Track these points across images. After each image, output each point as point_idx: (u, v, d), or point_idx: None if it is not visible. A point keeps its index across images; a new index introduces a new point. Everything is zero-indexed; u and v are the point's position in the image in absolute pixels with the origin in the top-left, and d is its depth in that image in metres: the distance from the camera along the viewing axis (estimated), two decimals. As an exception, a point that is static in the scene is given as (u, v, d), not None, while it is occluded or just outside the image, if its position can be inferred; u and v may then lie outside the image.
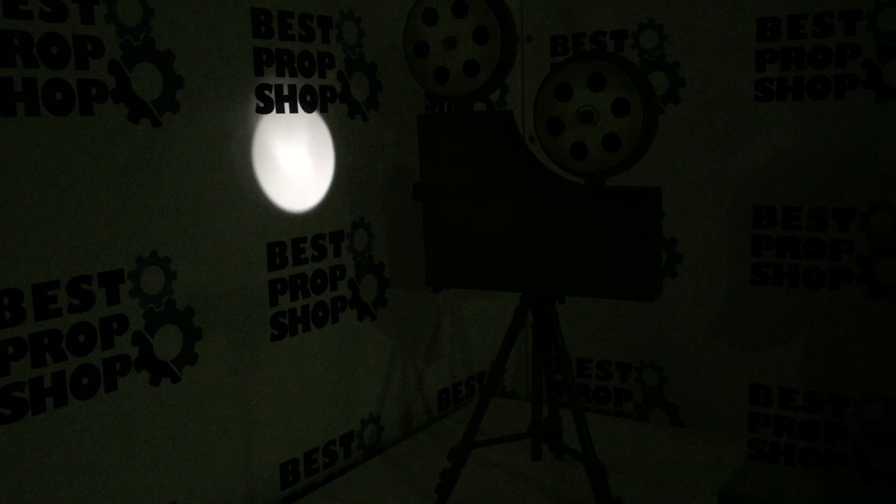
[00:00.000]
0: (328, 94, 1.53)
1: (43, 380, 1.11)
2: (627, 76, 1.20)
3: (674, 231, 1.84)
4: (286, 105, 1.44)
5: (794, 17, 1.68)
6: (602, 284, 1.29)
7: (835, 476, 1.74)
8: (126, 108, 1.19)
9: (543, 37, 1.98)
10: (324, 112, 1.52)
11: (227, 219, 1.35)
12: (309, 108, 1.49)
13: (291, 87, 1.45)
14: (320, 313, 1.54)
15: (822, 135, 1.67)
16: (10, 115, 1.06)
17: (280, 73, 1.43)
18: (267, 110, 1.41)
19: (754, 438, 1.81)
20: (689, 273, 1.83)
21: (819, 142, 1.68)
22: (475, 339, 1.98)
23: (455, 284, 1.45)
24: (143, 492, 1.25)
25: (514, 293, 1.39)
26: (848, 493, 1.72)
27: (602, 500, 1.32)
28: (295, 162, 1.47)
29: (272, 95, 1.42)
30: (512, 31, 1.30)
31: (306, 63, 1.48)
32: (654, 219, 1.25)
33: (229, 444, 1.38)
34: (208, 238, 1.32)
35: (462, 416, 1.76)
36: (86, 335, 1.16)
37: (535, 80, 1.97)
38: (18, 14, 1.06)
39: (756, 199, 1.75)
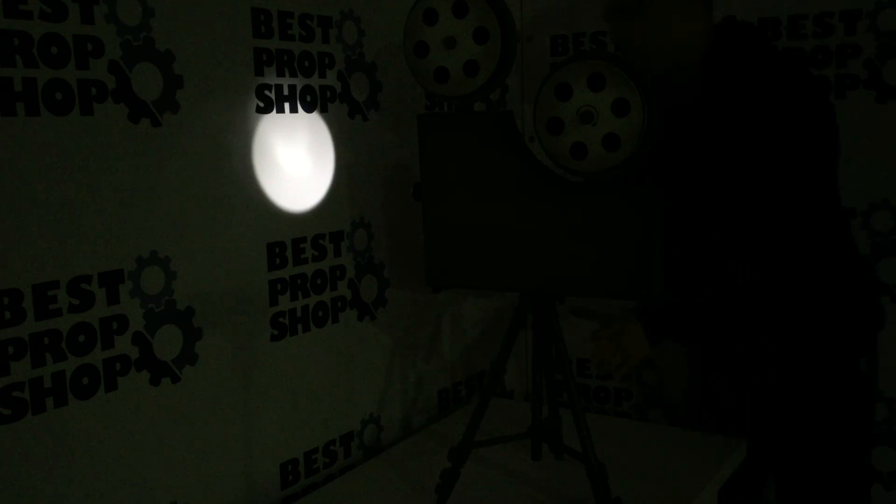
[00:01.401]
0: (328, 94, 1.53)
1: (43, 380, 1.11)
2: (627, 76, 1.20)
3: (674, 231, 1.83)
4: (286, 105, 1.44)
5: (795, 17, 1.67)
6: (602, 284, 1.29)
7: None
8: (126, 108, 1.19)
9: (543, 37, 1.98)
10: (324, 112, 1.52)
11: (227, 219, 1.35)
12: (309, 108, 1.49)
13: (291, 87, 1.45)
14: (320, 313, 1.54)
15: (822, 135, 1.67)
16: (10, 115, 1.06)
17: (280, 73, 1.43)
18: (267, 110, 1.41)
19: (754, 438, 1.80)
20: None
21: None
22: (475, 339, 1.98)
23: (455, 284, 1.45)
24: (143, 492, 1.25)
25: (514, 293, 1.39)
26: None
27: (602, 500, 1.32)
28: (295, 162, 1.47)
29: (272, 95, 1.42)
30: (512, 31, 1.30)
31: (306, 63, 1.48)
32: (653, 219, 1.25)
33: (229, 444, 1.38)
34: (208, 238, 1.32)
35: (462, 416, 1.76)
36: (86, 335, 1.16)
37: (535, 80, 1.97)
38: (18, 14, 1.06)
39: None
